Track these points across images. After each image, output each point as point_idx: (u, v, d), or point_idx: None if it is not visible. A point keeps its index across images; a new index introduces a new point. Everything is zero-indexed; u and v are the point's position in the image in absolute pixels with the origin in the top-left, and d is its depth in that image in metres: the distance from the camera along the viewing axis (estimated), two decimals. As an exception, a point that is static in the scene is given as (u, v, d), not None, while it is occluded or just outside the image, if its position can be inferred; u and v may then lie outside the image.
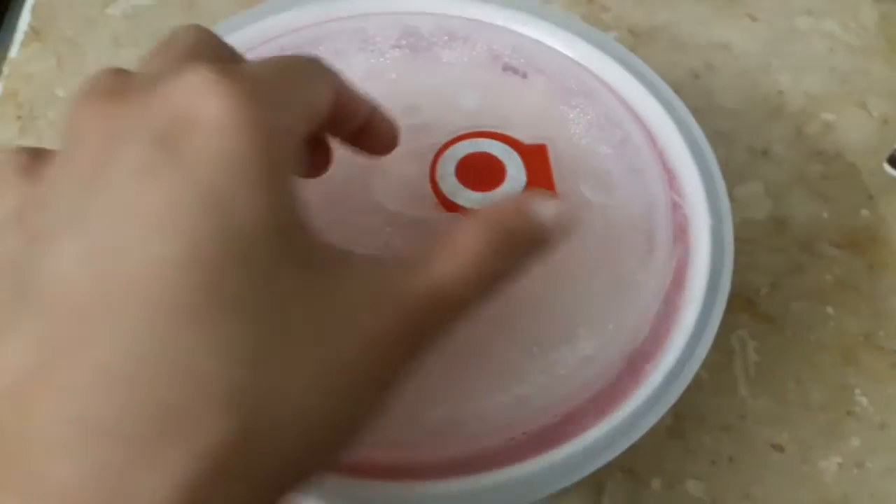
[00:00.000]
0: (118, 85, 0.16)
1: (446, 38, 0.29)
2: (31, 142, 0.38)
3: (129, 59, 0.41)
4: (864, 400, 0.32)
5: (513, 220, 0.18)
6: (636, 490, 0.30)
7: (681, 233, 0.26)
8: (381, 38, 0.29)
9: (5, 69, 0.41)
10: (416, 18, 0.29)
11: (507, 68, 0.29)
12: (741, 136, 0.39)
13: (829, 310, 0.34)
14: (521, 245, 0.18)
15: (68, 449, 0.12)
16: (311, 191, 0.25)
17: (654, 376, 0.23)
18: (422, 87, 0.28)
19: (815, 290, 0.35)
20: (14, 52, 0.41)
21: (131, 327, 0.12)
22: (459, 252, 0.16)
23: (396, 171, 0.26)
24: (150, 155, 0.14)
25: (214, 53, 0.18)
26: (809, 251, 0.36)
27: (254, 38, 0.29)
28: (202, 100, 0.14)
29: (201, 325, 0.13)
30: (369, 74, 0.28)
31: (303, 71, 0.17)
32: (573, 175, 0.26)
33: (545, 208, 0.18)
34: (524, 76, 0.29)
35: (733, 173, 0.38)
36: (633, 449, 0.23)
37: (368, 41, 0.29)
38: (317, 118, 0.18)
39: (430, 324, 0.16)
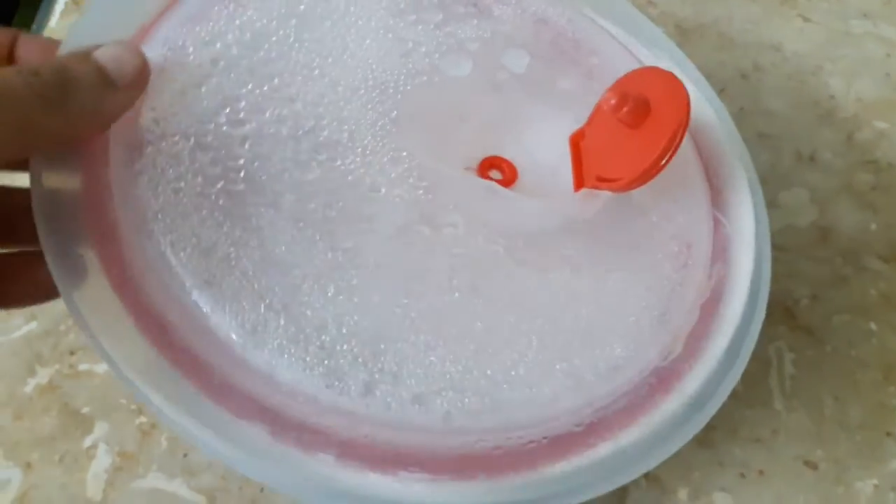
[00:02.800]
0: None
1: None
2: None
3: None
4: (905, 421, 0.31)
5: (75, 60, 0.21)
6: (661, 499, 0.29)
7: (721, 251, 0.25)
8: None
9: (44, 39, 0.40)
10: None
11: (556, 40, 0.28)
12: (788, 140, 0.38)
13: (873, 325, 0.33)
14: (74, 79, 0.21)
15: None
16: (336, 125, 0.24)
17: (680, 398, 0.22)
18: (467, 36, 0.26)
19: (858, 304, 0.34)
20: (53, 22, 0.41)
21: None
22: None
23: (431, 122, 0.25)
24: None
25: None
26: (854, 263, 0.35)
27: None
28: None
29: None
30: (415, 19, 0.26)
31: None
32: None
33: (103, 52, 0.21)
34: (576, 49, 0.28)
35: (778, 178, 0.36)
36: (659, 456, 0.22)
37: None
38: None
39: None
